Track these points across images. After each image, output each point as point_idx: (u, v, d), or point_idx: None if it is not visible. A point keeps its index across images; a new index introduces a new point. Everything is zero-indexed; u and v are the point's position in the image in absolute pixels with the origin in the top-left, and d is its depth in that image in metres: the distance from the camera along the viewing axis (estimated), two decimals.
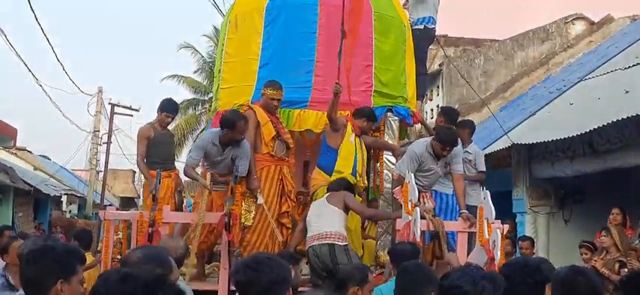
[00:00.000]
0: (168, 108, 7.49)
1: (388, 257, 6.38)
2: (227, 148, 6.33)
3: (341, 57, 6.36)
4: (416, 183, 6.18)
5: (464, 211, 6.37)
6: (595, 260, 7.37)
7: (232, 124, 6.23)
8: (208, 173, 6.49)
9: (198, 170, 6.99)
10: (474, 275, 2.48)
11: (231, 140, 6.26)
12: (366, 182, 6.91)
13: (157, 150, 7.31)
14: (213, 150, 6.36)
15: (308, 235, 6.06)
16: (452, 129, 7.00)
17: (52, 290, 2.65)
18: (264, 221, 6.46)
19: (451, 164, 6.63)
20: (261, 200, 6.42)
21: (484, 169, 7.56)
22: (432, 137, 6.70)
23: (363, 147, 6.84)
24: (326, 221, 6.04)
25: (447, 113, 7.69)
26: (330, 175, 6.54)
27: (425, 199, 6.69)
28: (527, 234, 11.04)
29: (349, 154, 6.59)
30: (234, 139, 6.26)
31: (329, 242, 5.97)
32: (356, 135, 6.64)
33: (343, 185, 6.29)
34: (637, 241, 7.40)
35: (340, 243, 5.92)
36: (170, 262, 3.09)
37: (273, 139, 6.61)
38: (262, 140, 6.55)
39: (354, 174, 6.59)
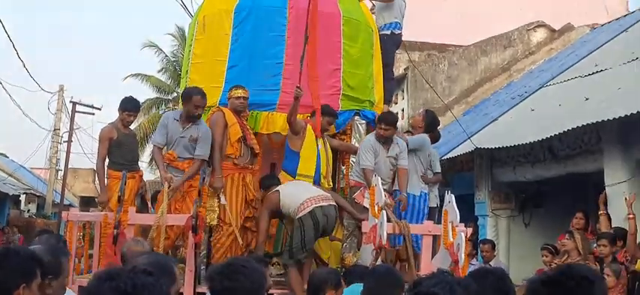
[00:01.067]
0: (129, 106, 7.39)
1: (354, 260, 6.48)
2: (187, 125, 6.48)
3: (303, 62, 6.43)
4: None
5: (403, 193, 6.78)
6: (555, 263, 7.53)
7: (188, 96, 6.52)
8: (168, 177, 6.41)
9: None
10: (449, 282, 2.41)
11: (188, 114, 6.45)
12: (330, 183, 6.93)
13: (120, 150, 7.22)
14: (174, 125, 6.54)
15: (305, 198, 6.09)
16: (391, 111, 7.75)
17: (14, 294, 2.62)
18: (230, 223, 6.47)
19: (398, 159, 6.96)
20: (224, 200, 6.42)
21: (439, 170, 7.71)
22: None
23: (328, 148, 6.86)
24: (315, 188, 6.30)
25: (430, 114, 7.97)
26: (294, 178, 6.57)
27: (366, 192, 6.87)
28: (488, 237, 11.23)
29: (311, 155, 6.61)
30: (191, 114, 6.44)
31: (333, 204, 6.22)
32: (316, 135, 6.65)
33: None
34: (595, 245, 7.58)
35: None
36: (175, 272, 3.03)
37: (239, 141, 6.60)
38: (228, 140, 6.54)
39: (317, 175, 6.62)
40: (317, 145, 6.65)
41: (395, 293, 3.79)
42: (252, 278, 2.84)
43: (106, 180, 7.31)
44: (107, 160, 7.33)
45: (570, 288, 2.56)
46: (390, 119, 7.14)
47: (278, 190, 6.33)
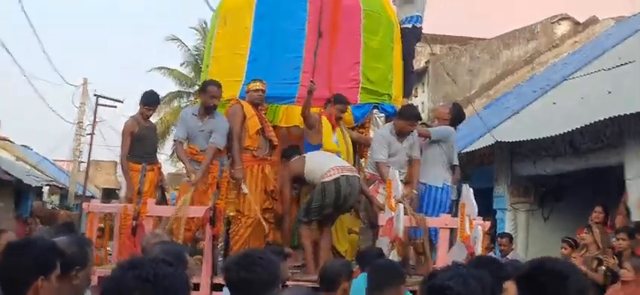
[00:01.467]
0: (148, 100, 7.45)
1: None
2: (206, 118, 6.59)
3: (317, 56, 6.43)
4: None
5: (413, 189, 6.73)
6: (574, 257, 7.49)
7: (203, 87, 6.71)
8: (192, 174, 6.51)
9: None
10: (464, 275, 2.39)
11: (205, 106, 6.58)
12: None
13: (141, 144, 7.28)
14: (193, 120, 6.66)
15: (332, 166, 6.20)
16: (411, 104, 7.64)
17: (32, 287, 2.60)
18: (248, 214, 6.51)
19: (412, 150, 6.89)
20: (245, 189, 6.47)
21: (457, 163, 7.60)
22: (391, 122, 7.06)
23: (347, 138, 6.87)
24: (342, 160, 6.41)
25: (457, 107, 7.77)
26: None
27: (380, 186, 6.84)
28: (507, 231, 11.18)
29: (328, 145, 6.60)
30: (207, 105, 6.56)
31: (358, 176, 6.34)
32: (332, 125, 6.66)
33: None
34: (613, 239, 7.52)
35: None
36: (187, 260, 3.10)
37: (258, 133, 6.65)
38: (247, 132, 6.59)
39: None
40: (333, 135, 6.64)
41: (395, 284, 3.91)
42: (268, 269, 2.86)
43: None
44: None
45: (542, 283, 2.55)
46: (417, 114, 7.16)
47: (303, 156, 6.43)
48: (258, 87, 6.66)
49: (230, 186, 6.47)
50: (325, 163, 6.28)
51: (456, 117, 7.49)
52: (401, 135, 6.86)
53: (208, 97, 6.56)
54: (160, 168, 7.61)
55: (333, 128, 6.67)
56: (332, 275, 4.29)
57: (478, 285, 2.36)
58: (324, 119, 6.63)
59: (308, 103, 6.49)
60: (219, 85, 6.65)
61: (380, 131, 7.11)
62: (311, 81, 6.41)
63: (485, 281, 2.42)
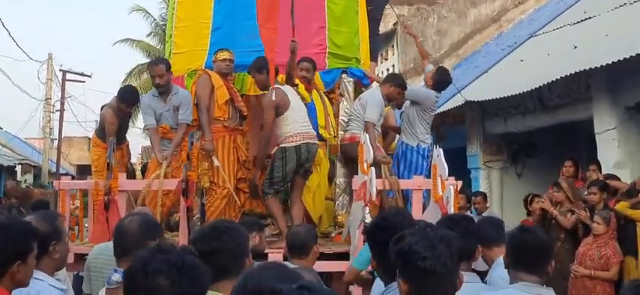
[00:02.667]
0: (125, 98, 7.09)
1: (347, 218, 6.53)
2: (167, 96, 6.58)
3: (293, 14, 6.35)
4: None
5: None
6: (552, 210, 7.61)
7: (150, 68, 6.93)
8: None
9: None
10: (431, 239, 2.43)
11: (155, 85, 6.64)
12: (332, 133, 6.89)
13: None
14: (155, 102, 6.63)
15: (295, 130, 6.22)
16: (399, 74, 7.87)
17: (8, 272, 2.62)
18: (222, 185, 6.50)
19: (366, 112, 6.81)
20: (217, 162, 6.45)
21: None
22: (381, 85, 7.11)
23: (325, 100, 6.83)
24: (307, 121, 6.40)
25: (441, 70, 7.73)
26: None
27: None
28: (481, 189, 11.33)
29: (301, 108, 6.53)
30: (155, 84, 6.63)
31: (316, 142, 6.41)
32: (304, 86, 6.62)
33: None
34: (585, 192, 7.65)
35: None
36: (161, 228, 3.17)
37: (227, 104, 6.62)
38: (216, 103, 6.55)
39: (313, 127, 6.57)
40: (308, 99, 6.61)
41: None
42: (237, 240, 2.87)
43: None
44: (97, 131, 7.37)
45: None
46: (404, 83, 7.21)
47: (278, 89, 6.36)
48: (225, 57, 6.58)
49: (201, 157, 6.44)
50: (291, 122, 6.26)
51: (438, 80, 7.40)
52: (389, 101, 6.93)
53: (152, 79, 6.68)
54: (127, 146, 7.53)
55: (308, 91, 6.64)
56: (300, 242, 4.34)
57: (446, 248, 2.40)
58: (300, 83, 6.60)
59: (293, 63, 6.42)
60: (156, 62, 6.84)
61: (375, 93, 7.00)
62: (292, 41, 6.29)
63: (452, 244, 2.45)
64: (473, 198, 9.83)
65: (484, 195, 10.04)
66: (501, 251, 3.53)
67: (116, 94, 7.31)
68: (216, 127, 6.57)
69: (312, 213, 6.68)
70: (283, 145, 6.19)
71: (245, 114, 6.80)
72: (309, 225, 5.18)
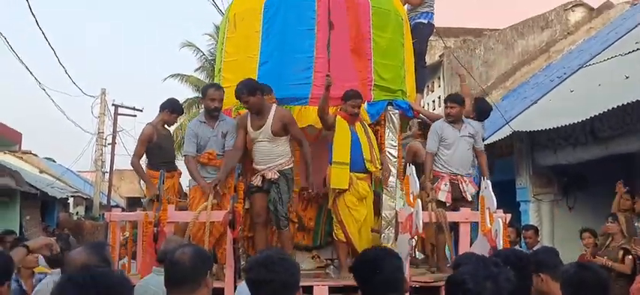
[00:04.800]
0: (174, 107, 7.58)
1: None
2: (216, 123, 6.63)
3: (330, 49, 6.41)
4: (440, 164, 7.04)
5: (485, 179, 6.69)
6: (598, 256, 7.40)
7: (203, 92, 6.84)
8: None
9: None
10: (478, 274, 2.43)
11: (207, 110, 6.65)
12: (378, 167, 6.79)
13: (160, 151, 7.33)
14: (202, 128, 6.66)
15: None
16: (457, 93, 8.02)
17: None
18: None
19: (476, 140, 7.24)
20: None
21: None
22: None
23: (369, 133, 6.81)
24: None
25: (480, 101, 8.19)
26: (331, 166, 6.58)
27: (442, 183, 7.01)
28: (531, 223, 11.09)
29: (344, 142, 6.52)
30: (208, 108, 6.62)
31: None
32: (349, 122, 6.62)
33: None
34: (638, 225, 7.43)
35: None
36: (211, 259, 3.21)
37: None
38: None
39: (358, 161, 6.53)
40: (351, 131, 6.61)
41: None
42: (289, 271, 2.91)
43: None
44: (144, 159, 7.45)
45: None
46: (455, 97, 7.48)
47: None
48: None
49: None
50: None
51: (480, 110, 7.82)
52: (455, 122, 7.22)
53: (208, 101, 6.63)
54: (180, 175, 7.64)
55: (351, 124, 6.64)
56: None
57: (492, 285, 2.37)
58: (339, 119, 6.61)
59: (325, 100, 6.45)
60: (218, 87, 6.79)
61: (435, 123, 7.41)
62: (327, 75, 6.35)
63: (500, 283, 2.41)
64: (524, 231, 9.62)
65: (535, 229, 9.80)
66: (556, 287, 3.44)
67: (163, 108, 7.49)
68: None
69: (358, 246, 6.64)
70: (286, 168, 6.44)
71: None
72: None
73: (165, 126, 7.67)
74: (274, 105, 6.46)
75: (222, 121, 6.67)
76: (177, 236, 5.61)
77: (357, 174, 6.51)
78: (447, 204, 6.82)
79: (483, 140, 7.68)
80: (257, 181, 6.43)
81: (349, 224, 6.46)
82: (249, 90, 6.27)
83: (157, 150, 7.31)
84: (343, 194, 6.44)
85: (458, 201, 6.95)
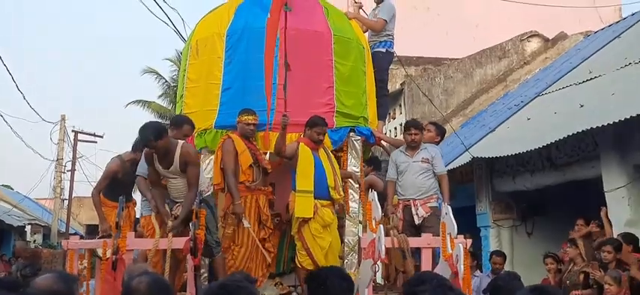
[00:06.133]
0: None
1: (356, 276, 6.50)
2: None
3: (286, 89, 6.52)
4: (397, 191, 7.27)
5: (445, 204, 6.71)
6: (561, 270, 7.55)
7: (179, 123, 6.79)
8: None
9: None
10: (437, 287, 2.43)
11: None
12: (342, 194, 6.85)
13: (120, 186, 7.22)
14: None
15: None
16: (415, 119, 8.28)
17: None
18: (251, 245, 6.56)
19: (434, 165, 7.33)
20: (247, 223, 6.49)
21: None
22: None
23: (333, 159, 6.84)
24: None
25: (435, 124, 8.30)
26: (295, 194, 6.59)
27: (398, 211, 7.18)
28: (492, 248, 11.24)
29: (307, 170, 6.55)
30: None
31: None
32: (312, 149, 6.66)
33: None
34: (597, 253, 7.59)
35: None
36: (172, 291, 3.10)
37: (251, 167, 6.66)
38: (240, 168, 6.59)
39: (322, 188, 6.56)
40: (314, 158, 6.64)
41: None
42: None
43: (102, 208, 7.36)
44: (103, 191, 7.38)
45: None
46: (415, 123, 7.74)
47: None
48: (250, 122, 6.67)
49: (228, 220, 6.51)
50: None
51: (442, 133, 8.24)
52: (412, 148, 7.44)
53: (181, 136, 6.54)
54: (134, 205, 7.58)
55: (314, 151, 6.68)
56: None
57: None
58: (302, 146, 6.64)
59: (283, 137, 6.53)
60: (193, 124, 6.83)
61: (392, 154, 7.69)
62: (284, 115, 6.45)
63: None
64: (493, 256, 9.61)
65: (504, 256, 9.76)
66: None
67: (136, 149, 7.19)
68: (239, 187, 6.58)
69: None
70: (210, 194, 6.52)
71: (269, 171, 6.84)
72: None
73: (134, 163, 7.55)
74: (180, 143, 6.26)
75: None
76: (142, 264, 5.54)
77: (321, 201, 6.53)
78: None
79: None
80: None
81: (316, 252, 6.45)
82: (155, 135, 6.09)
83: (116, 183, 7.22)
84: (308, 222, 6.44)
85: (409, 226, 7.11)
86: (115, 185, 7.24)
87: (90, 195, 7.85)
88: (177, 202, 6.39)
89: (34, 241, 29.12)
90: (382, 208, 6.33)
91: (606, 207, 8.62)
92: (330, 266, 3.98)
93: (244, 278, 4.63)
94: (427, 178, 7.30)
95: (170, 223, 6.21)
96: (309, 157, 6.58)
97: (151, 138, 6.09)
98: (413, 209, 7.18)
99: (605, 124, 7.99)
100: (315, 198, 6.48)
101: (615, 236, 7.81)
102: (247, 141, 6.70)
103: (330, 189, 6.62)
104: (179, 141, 6.32)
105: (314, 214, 6.44)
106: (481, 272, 10.03)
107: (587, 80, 11.74)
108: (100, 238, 6.87)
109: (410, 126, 7.59)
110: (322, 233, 6.50)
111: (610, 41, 14.19)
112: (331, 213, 6.64)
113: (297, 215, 6.45)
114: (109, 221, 7.04)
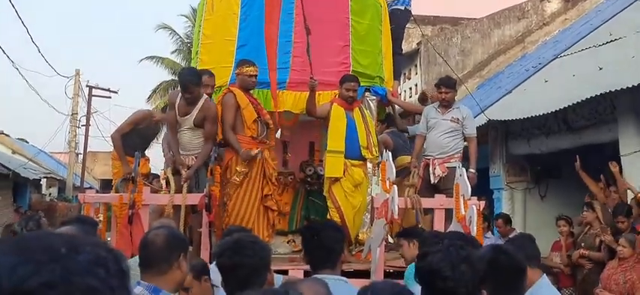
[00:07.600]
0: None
1: (368, 235, 6.53)
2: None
3: (310, 51, 6.37)
4: (428, 148, 7.10)
5: (472, 170, 6.80)
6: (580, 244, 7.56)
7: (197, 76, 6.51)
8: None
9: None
10: (453, 259, 2.39)
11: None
12: (375, 153, 6.82)
13: (139, 140, 7.14)
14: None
15: None
16: (448, 76, 7.98)
17: None
18: (250, 199, 6.47)
19: (464, 127, 7.13)
20: (255, 151, 6.38)
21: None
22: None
23: (367, 117, 6.80)
24: None
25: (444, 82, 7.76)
26: (326, 154, 6.60)
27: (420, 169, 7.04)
28: (504, 210, 11.22)
29: (339, 129, 6.52)
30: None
31: None
32: (346, 109, 6.61)
33: None
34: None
35: None
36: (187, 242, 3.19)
37: (255, 122, 6.55)
38: (244, 123, 6.48)
39: (353, 148, 6.55)
40: (347, 118, 6.61)
41: None
42: (260, 254, 2.90)
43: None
44: None
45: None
46: (447, 81, 7.38)
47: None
48: (251, 73, 6.52)
49: (233, 173, 6.41)
50: None
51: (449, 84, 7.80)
52: (445, 106, 7.20)
53: (201, 87, 6.45)
54: (148, 161, 7.61)
55: (349, 111, 6.64)
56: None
57: (468, 269, 2.35)
58: (335, 106, 6.60)
59: (312, 100, 6.50)
60: (211, 73, 6.72)
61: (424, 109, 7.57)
62: (311, 78, 6.36)
63: (475, 265, 2.40)
64: (495, 220, 9.69)
65: (506, 217, 9.84)
66: (537, 273, 3.48)
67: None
68: (244, 138, 6.48)
69: (352, 233, 6.66)
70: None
71: (271, 126, 6.77)
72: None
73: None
74: (204, 97, 6.36)
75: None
76: (168, 219, 5.55)
77: (351, 161, 6.52)
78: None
79: None
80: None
81: (347, 211, 6.46)
82: (197, 80, 6.26)
83: (137, 137, 7.19)
84: (340, 180, 6.45)
85: (427, 185, 7.05)
86: (134, 137, 7.22)
87: (104, 150, 7.87)
88: (182, 154, 6.44)
89: (50, 194, 29.52)
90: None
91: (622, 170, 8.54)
92: (323, 220, 4.15)
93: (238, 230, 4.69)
94: (453, 138, 7.08)
95: (184, 173, 6.26)
96: (342, 117, 6.56)
97: (193, 82, 6.22)
98: (431, 167, 7.11)
99: (624, 88, 7.88)
100: (346, 158, 6.49)
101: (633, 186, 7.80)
102: (249, 95, 6.60)
103: (362, 149, 6.60)
104: (204, 94, 6.39)
105: (344, 173, 6.45)
106: (492, 234, 10.05)
107: (606, 42, 11.55)
108: (122, 180, 6.85)
109: (441, 84, 7.32)
110: (354, 192, 6.53)
111: (631, 3, 13.89)
112: (362, 173, 6.63)
113: (327, 175, 6.49)
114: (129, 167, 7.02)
